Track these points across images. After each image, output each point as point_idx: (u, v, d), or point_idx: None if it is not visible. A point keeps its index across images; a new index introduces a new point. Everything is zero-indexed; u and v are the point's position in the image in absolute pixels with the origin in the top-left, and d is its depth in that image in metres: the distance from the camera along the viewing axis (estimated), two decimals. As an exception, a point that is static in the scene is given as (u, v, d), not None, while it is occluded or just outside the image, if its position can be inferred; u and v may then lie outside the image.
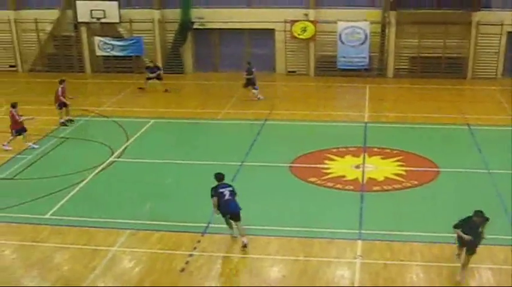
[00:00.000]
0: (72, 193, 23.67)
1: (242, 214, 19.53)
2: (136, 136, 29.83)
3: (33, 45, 44.73)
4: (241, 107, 34.49)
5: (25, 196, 23.45)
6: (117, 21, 42.55)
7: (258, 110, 33.64)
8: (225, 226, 20.10)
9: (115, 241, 19.85)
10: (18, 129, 28.68)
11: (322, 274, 17.59)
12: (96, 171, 25.69)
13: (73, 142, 29.51)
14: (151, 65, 39.79)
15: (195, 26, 42.55)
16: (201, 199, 22.48)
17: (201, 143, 29.48)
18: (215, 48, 43.65)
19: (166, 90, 38.56)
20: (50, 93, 36.17)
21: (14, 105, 29.02)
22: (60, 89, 32.39)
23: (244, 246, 19.18)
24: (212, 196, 19.73)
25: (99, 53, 43.39)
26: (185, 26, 42.52)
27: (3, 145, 28.40)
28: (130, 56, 43.09)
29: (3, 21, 44.36)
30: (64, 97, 32.34)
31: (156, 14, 42.78)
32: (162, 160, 26.72)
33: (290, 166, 25.61)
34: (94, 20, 42.53)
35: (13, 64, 45.16)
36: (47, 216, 21.85)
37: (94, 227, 20.88)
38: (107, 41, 42.99)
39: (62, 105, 32.43)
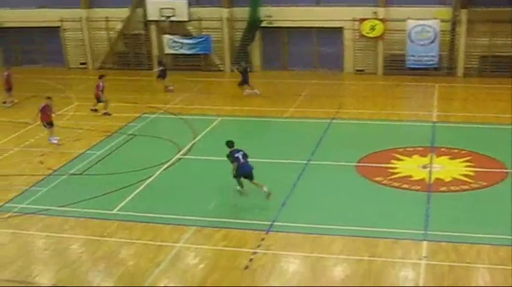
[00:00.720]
0: (139, 189, 23.95)
1: (306, 212, 20.46)
2: (203, 133, 30.01)
3: (104, 43, 45.51)
4: (308, 106, 34.39)
5: (93, 191, 23.85)
6: (186, 19, 42.86)
7: (325, 108, 33.46)
8: (290, 224, 20.39)
9: (180, 237, 20.02)
10: (49, 121, 29.50)
11: (387, 274, 17.42)
12: (163, 167, 25.94)
13: (141, 139, 29.82)
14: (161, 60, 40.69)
15: (263, 25, 42.58)
16: (266, 195, 22.65)
17: (268, 141, 29.47)
18: (283, 47, 43.61)
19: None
20: (119, 90, 36.98)
21: (49, 97, 30.33)
22: (100, 83, 33.77)
23: (269, 193, 22.40)
24: (232, 161, 22.92)
25: (168, 51, 43.77)
26: (254, 24, 42.58)
27: (51, 140, 29.32)
28: (199, 54, 43.34)
29: (75, 19, 45.19)
30: (102, 91, 33.75)
31: (224, 12, 42.95)
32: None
33: (356, 165, 25.43)
34: (163, 19, 42.95)
35: (84, 62, 45.95)
36: (114, 211, 22.18)
37: (160, 223, 21.09)
38: (176, 39, 43.39)
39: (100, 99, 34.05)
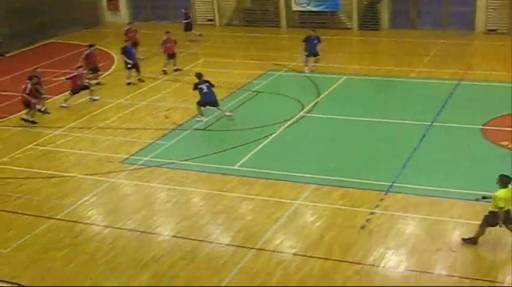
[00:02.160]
0: (261, 146, 24.18)
1: (427, 174, 20.63)
2: (327, 92, 29.88)
3: (231, -1, 45.72)
4: (436, 66, 33.53)
5: (216, 146, 24.38)
6: (315, -25, 42.54)
7: (453, 69, 32.59)
8: (410, 186, 20.20)
9: (299, 195, 20.14)
10: (75, 90, 30.19)
11: (505, 242, 16.83)
12: (286, 125, 26.04)
13: (265, 96, 29.98)
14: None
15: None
16: (388, 157, 22.55)
17: (392, 101, 29.09)
18: (413, 5, 42.57)
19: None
20: (245, 47, 37.22)
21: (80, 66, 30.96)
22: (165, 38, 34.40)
23: (230, 115, 27.01)
24: (194, 89, 26.96)
25: (295, 8, 43.56)
26: (384, -20, 41.81)
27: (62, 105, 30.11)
28: (326, 12, 42.96)
29: (203, -24, 45.60)
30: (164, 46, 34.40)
31: (354, -32, 42.30)
32: (352, 117, 26.62)
33: (482, 128, 24.71)
34: (292, -25, 42.77)
35: (211, 18, 46.23)
36: (235, 167, 22.50)
37: (280, 179, 21.30)
38: (304, -4, 43.14)
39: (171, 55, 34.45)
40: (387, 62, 35.10)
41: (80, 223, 19.47)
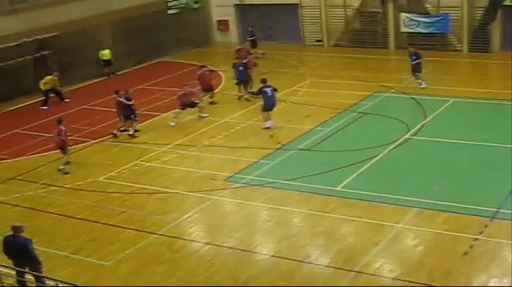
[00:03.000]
0: (364, 167, 24.01)
1: None
2: (434, 114, 29.41)
3: (340, 20, 45.51)
4: (548, 89, 32.62)
5: (319, 167, 24.28)
6: (425, -3, 42.11)
7: None
8: (518, 212, 19.56)
9: (401, 218, 19.87)
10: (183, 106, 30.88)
11: None
12: (391, 147, 25.78)
13: (371, 117, 29.77)
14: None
15: (506, 3, 40.75)
16: (494, 181, 21.99)
17: (500, 124, 28.25)
18: (526, 27, 41.53)
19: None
20: (352, 68, 37.08)
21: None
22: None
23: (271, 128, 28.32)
24: (258, 94, 28.58)
25: (403, 29, 43.11)
26: (496, 3, 40.90)
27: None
28: (435, 33, 42.38)
29: (314, -3, 45.72)
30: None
31: (465, -11, 41.59)
32: (458, 140, 26.12)
33: None
34: (402, -4, 42.47)
35: (319, 39, 46.31)
36: (338, 188, 22.40)
37: (382, 202, 21.06)
38: (413, 18, 42.56)
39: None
40: (497, 85, 34.17)
41: (181, 238, 19.82)
